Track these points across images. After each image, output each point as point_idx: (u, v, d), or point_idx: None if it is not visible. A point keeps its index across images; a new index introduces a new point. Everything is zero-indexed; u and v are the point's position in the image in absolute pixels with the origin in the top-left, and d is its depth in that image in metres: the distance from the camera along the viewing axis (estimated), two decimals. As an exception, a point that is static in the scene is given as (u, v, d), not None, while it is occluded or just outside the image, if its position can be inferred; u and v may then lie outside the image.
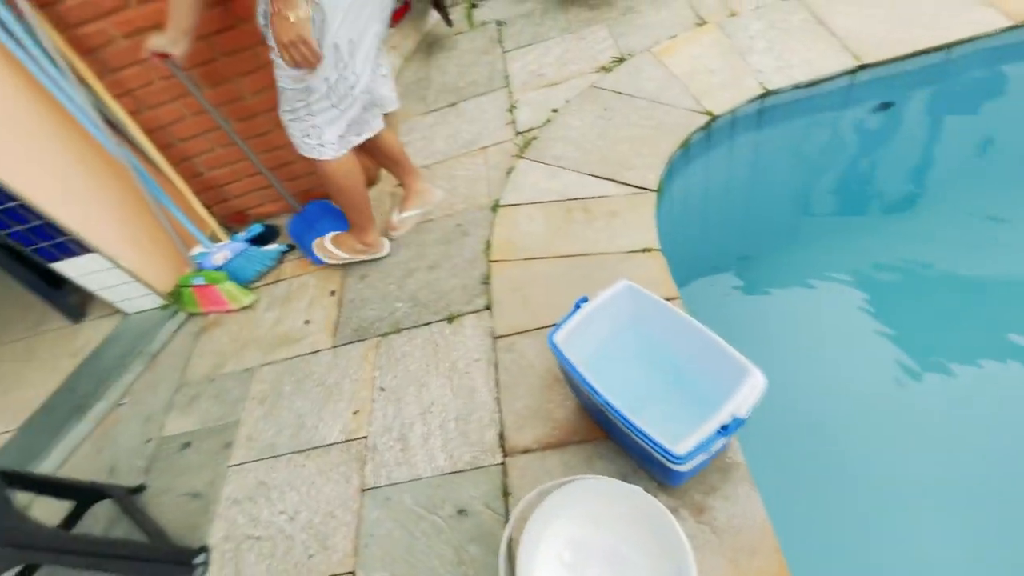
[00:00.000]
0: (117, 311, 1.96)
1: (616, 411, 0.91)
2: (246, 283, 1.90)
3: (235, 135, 1.78)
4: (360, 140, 1.51)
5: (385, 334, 1.60)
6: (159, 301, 1.91)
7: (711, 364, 0.98)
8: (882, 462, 1.26)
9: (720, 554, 0.97)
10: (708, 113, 1.80)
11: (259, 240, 2.00)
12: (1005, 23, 1.71)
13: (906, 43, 1.76)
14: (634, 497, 0.89)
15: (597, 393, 0.94)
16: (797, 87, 1.80)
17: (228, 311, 1.87)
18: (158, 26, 1.46)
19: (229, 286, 1.81)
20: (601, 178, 1.74)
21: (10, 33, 1.41)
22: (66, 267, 1.72)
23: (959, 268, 1.55)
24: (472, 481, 1.23)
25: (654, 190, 1.65)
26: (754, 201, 1.95)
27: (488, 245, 1.70)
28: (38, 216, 1.54)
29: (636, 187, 1.68)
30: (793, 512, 1.06)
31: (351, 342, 1.63)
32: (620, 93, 2.01)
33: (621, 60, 2.16)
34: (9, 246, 1.83)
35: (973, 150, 1.84)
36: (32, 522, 1.05)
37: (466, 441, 1.29)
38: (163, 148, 1.81)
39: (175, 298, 1.90)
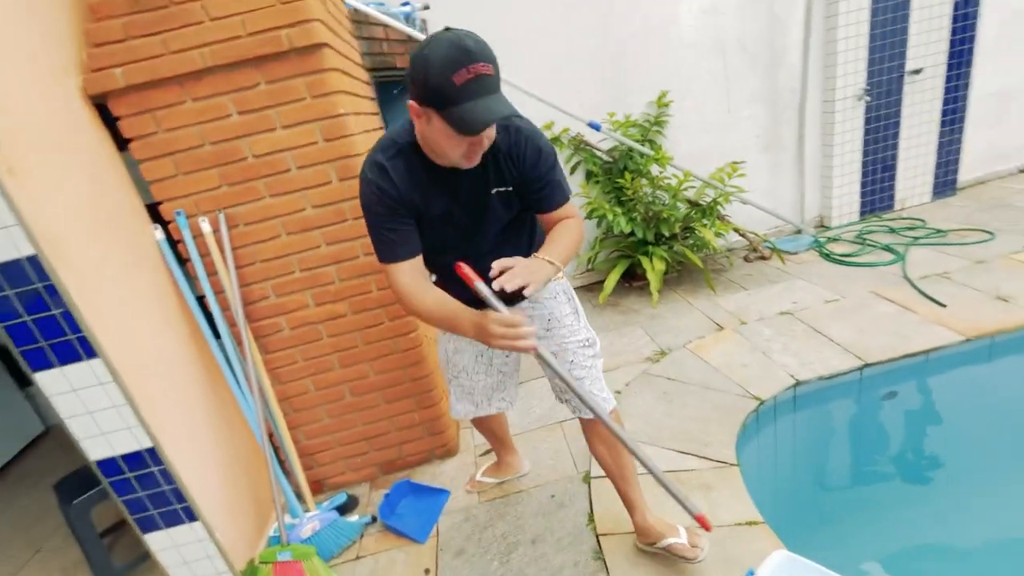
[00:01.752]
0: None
1: None
2: (328, 559, 1.80)
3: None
4: (477, 414, 1.74)
5: (498, 621, 1.50)
6: (227, 582, 1.75)
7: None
8: None
9: None
10: (756, 398, 2.16)
11: (340, 510, 1.99)
12: (958, 338, 2.29)
13: (889, 350, 2.29)
14: None
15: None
16: (821, 379, 2.22)
17: (304, 595, 1.72)
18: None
19: (317, 563, 1.72)
20: (683, 453, 1.94)
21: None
22: (158, 538, 1.65)
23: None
24: None
25: (735, 464, 1.85)
26: (818, 472, 2.13)
27: (590, 518, 1.76)
28: (171, 481, 1.58)
29: (719, 461, 1.87)
30: None
31: (458, 632, 1.49)
32: (672, 379, 2.40)
33: (663, 353, 2.64)
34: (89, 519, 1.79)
35: (964, 431, 2.17)
36: None
37: None
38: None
39: (247, 578, 1.76)
